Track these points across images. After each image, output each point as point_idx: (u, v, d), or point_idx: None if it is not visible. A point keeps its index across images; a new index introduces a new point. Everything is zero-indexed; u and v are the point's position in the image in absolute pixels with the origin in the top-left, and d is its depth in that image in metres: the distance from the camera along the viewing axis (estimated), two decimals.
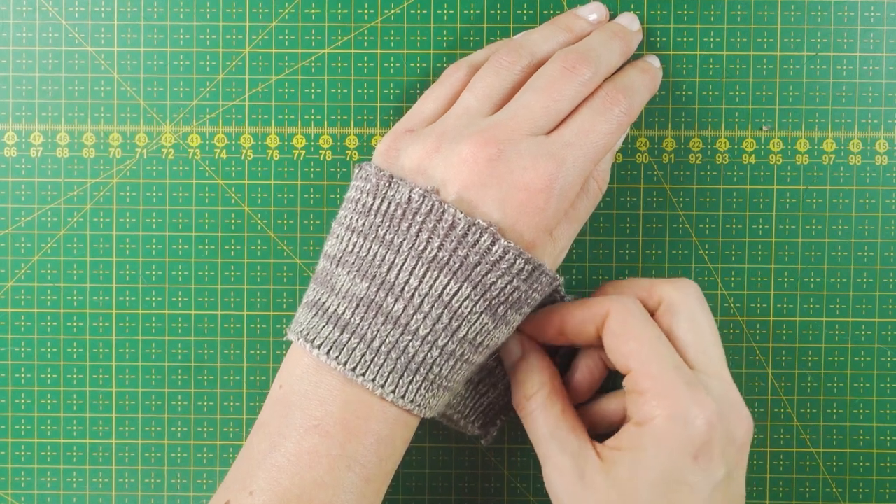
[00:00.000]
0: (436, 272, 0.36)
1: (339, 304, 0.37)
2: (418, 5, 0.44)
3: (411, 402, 0.36)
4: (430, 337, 0.36)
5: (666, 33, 0.44)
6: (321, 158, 0.44)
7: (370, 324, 0.36)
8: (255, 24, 0.44)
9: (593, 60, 0.38)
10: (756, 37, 0.44)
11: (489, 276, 0.36)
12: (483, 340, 0.37)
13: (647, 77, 0.41)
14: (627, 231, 0.44)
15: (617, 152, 0.44)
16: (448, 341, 0.36)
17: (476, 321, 0.37)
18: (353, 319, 0.36)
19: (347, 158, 0.44)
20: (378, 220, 0.37)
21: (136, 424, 0.45)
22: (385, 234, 0.37)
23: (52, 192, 0.44)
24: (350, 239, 0.38)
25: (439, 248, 0.36)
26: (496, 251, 0.36)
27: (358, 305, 0.37)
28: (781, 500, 0.45)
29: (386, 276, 0.36)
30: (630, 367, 0.38)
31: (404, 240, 0.37)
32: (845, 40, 0.44)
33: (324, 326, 0.37)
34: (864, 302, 0.44)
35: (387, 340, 0.36)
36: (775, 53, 0.44)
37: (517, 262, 0.36)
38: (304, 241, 0.44)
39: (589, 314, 0.39)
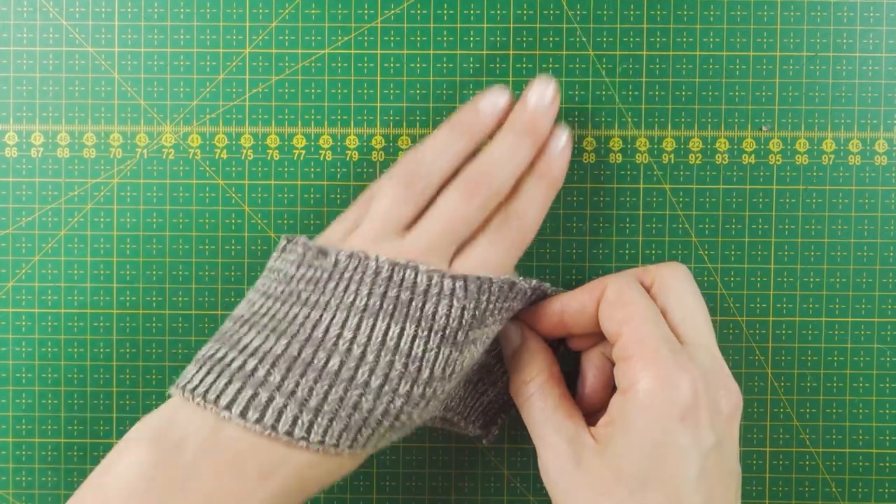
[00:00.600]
0: (371, 320, 0.35)
1: (245, 361, 0.34)
2: (418, 5, 0.44)
3: (368, 448, 0.35)
4: (386, 388, 0.34)
5: (666, 33, 0.44)
6: (321, 158, 0.44)
7: (297, 381, 0.34)
8: (256, 24, 0.44)
9: (493, 182, 0.38)
10: (756, 37, 0.44)
11: (426, 307, 0.35)
12: (454, 369, 0.36)
13: (544, 184, 0.40)
14: (627, 231, 0.44)
15: (616, 152, 0.44)
16: (412, 386, 0.35)
17: (436, 357, 0.35)
18: (269, 378, 0.34)
19: (347, 158, 0.44)
20: (301, 286, 0.36)
21: None
22: (308, 297, 0.35)
23: (53, 192, 0.44)
24: (265, 304, 0.36)
25: (369, 296, 0.35)
26: (421, 281, 0.35)
27: (275, 363, 0.34)
28: (781, 500, 0.45)
29: (311, 333, 0.35)
30: (621, 332, 0.38)
31: (331, 297, 0.35)
32: (845, 40, 0.44)
33: (227, 384, 0.34)
34: (863, 302, 0.44)
35: (328, 399, 0.34)
36: (775, 53, 0.44)
37: (445, 283, 0.36)
38: None
39: (588, 296, 0.40)
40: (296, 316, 0.35)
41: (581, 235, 0.44)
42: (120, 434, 0.44)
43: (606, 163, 0.44)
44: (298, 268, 0.37)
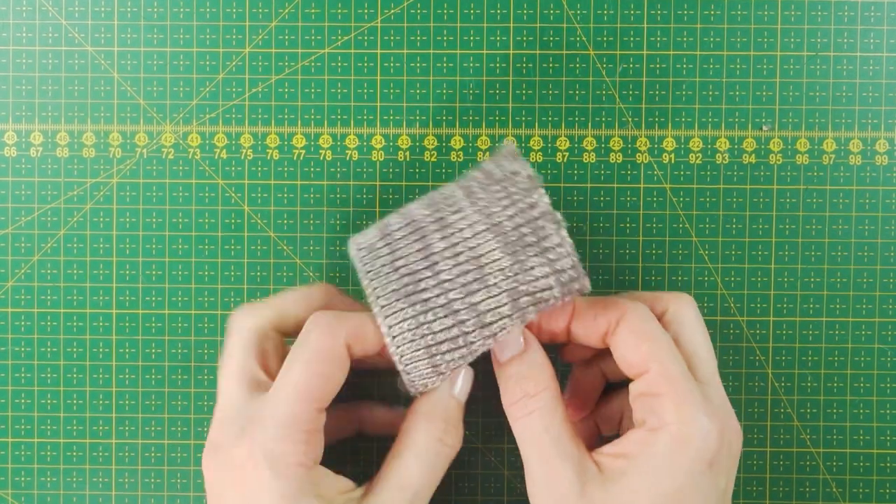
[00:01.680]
0: (489, 234, 0.37)
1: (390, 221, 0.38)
2: (418, 5, 0.44)
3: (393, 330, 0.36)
4: (446, 284, 0.36)
5: (666, 33, 0.44)
6: (321, 158, 0.44)
7: (406, 244, 0.37)
8: (255, 23, 0.44)
9: None
10: (756, 37, 0.44)
11: (533, 260, 0.36)
12: (492, 322, 0.36)
13: None
14: (627, 231, 0.44)
15: (616, 152, 0.44)
16: (458, 298, 0.36)
17: (496, 296, 0.36)
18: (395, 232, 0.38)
19: (347, 158, 0.44)
20: (480, 175, 0.39)
21: (136, 424, 0.45)
22: (473, 187, 0.38)
23: (52, 192, 0.44)
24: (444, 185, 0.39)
25: (509, 218, 0.37)
26: (555, 243, 0.36)
27: (408, 224, 0.38)
28: (781, 500, 0.45)
29: (447, 211, 0.38)
30: (649, 367, 0.36)
31: (484, 196, 0.37)
32: (845, 40, 0.44)
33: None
34: (864, 302, 0.44)
35: (408, 266, 0.37)
36: (775, 53, 0.44)
37: (570, 269, 0.36)
38: (304, 241, 0.44)
39: (603, 313, 0.38)
40: (452, 195, 0.39)
41: (581, 235, 0.44)
42: (119, 434, 0.44)
43: (607, 163, 0.44)
44: (491, 163, 0.39)
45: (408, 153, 0.44)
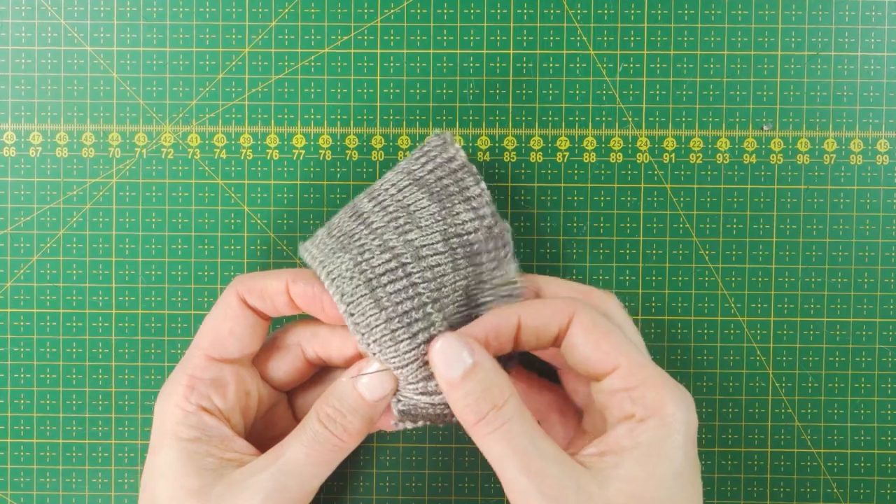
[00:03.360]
0: (414, 187, 0.39)
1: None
2: (418, 5, 0.44)
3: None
4: (380, 230, 0.38)
5: (666, 33, 0.44)
6: (321, 158, 0.44)
7: (341, 219, 0.40)
8: (255, 23, 0.44)
9: None
10: (756, 36, 0.44)
11: (458, 207, 0.38)
12: (427, 256, 0.37)
13: None
14: (627, 231, 0.44)
15: (617, 152, 0.44)
16: (393, 237, 0.37)
17: (429, 235, 0.38)
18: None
19: (347, 158, 0.44)
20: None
21: (136, 424, 0.44)
22: (403, 165, 0.40)
23: (52, 192, 0.44)
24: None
25: (430, 172, 0.39)
26: (476, 194, 0.39)
27: (345, 208, 0.40)
28: (782, 501, 0.44)
29: (375, 184, 0.40)
30: (618, 363, 0.36)
31: (404, 162, 0.40)
32: (846, 40, 0.44)
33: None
34: (864, 302, 0.44)
35: (342, 229, 0.39)
36: (776, 53, 0.44)
37: (489, 216, 0.39)
38: (304, 241, 0.44)
39: (553, 315, 0.37)
40: (384, 178, 0.41)
41: (581, 235, 0.44)
42: (119, 434, 0.44)
43: (607, 162, 0.44)
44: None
45: (407, 153, 0.44)
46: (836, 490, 0.44)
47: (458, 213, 0.38)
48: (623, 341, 0.37)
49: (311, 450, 0.37)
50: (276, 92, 0.44)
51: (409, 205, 0.38)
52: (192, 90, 0.44)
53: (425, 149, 0.40)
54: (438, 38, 0.44)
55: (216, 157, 0.44)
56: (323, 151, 0.44)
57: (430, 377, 0.37)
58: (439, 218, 0.38)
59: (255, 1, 0.44)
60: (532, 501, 0.34)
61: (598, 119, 0.44)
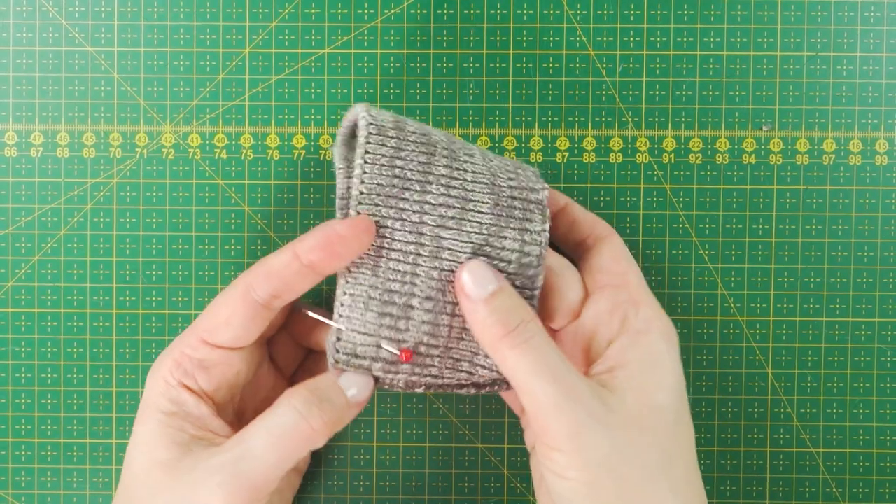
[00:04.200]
0: (486, 188, 0.38)
1: None
2: (418, 5, 0.44)
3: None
4: (427, 207, 0.37)
5: (666, 33, 0.44)
6: (321, 158, 0.44)
7: (412, 149, 0.38)
8: (255, 23, 0.44)
9: None
10: (756, 37, 0.44)
11: (509, 231, 0.38)
12: (445, 259, 0.37)
13: None
14: (627, 231, 0.44)
15: (616, 152, 0.44)
16: (430, 224, 0.37)
17: (462, 242, 0.37)
18: None
19: None
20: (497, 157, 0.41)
21: None
22: (489, 154, 0.40)
23: (53, 192, 0.44)
24: None
25: (509, 188, 0.39)
26: (535, 230, 0.38)
27: (423, 134, 0.39)
28: (781, 500, 0.45)
29: (461, 150, 0.39)
30: (628, 280, 0.40)
31: (497, 162, 0.40)
32: (845, 40, 0.44)
33: None
34: (864, 302, 0.44)
35: (404, 171, 0.38)
36: (775, 53, 0.44)
37: (534, 256, 0.38)
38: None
39: (594, 223, 0.42)
40: None
41: None
42: (119, 434, 0.44)
43: (607, 163, 0.44)
44: None
45: None
46: (835, 489, 0.45)
47: (505, 237, 0.37)
48: (636, 268, 0.40)
49: (277, 439, 0.35)
50: (277, 92, 0.44)
51: (469, 200, 0.37)
52: (193, 90, 0.44)
53: (519, 171, 0.39)
54: (438, 38, 0.44)
55: (216, 158, 0.44)
56: (323, 151, 0.44)
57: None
58: (486, 231, 0.37)
59: (256, 1, 0.44)
60: (564, 410, 0.35)
61: (597, 119, 0.44)
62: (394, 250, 0.37)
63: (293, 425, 0.35)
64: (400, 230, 0.37)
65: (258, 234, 0.44)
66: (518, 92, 0.44)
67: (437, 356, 0.38)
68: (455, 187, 0.37)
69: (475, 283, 0.37)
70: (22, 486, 0.45)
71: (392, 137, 0.37)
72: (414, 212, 0.37)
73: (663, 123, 0.44)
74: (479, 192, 0.38)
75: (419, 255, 0.37)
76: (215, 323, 0.38)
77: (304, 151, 0.44)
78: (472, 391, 0.39)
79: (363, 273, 0.37)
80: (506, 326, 0.36)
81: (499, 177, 0.38)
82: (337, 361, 0.37)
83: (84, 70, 0.44)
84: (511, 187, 0.38)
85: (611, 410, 0.35)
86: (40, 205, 0.44)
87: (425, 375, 0.38)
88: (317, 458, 0.45)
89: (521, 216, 0.38)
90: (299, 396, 0.36)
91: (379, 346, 0.37)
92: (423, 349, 0.37)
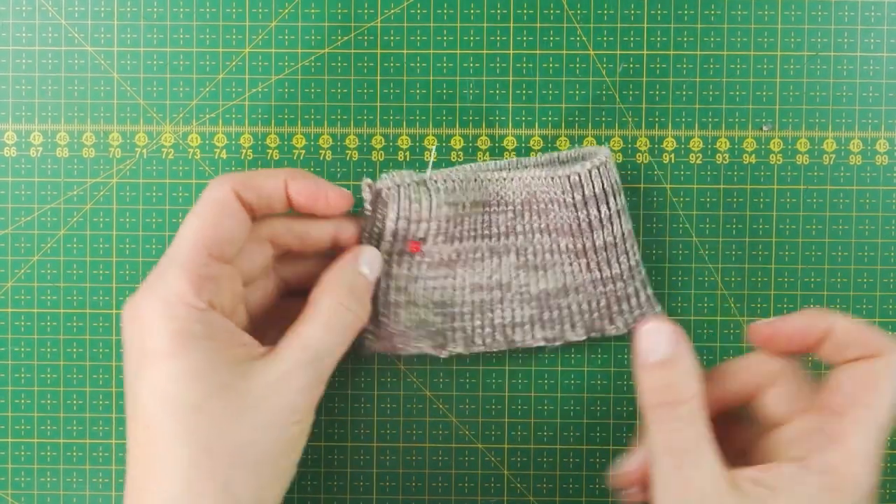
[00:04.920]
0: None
1: None
2: (418, 5, 0.44)
3: None
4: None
5: (666, 33, 0.44)
6: (321, 158, 0.44)
7: None
8: (255, 23, 0.44)
9: None
10: (756, 36, 0.44)
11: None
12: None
13: None
14: None
15: (616, 152, 0.44)
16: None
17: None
18: None
19: (347, 158, 0.44)
20: None
21: None
22: None
23: (52, 192, 0.44)
24: None
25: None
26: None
27: None
28: None
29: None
30: (862, 400, 0.35)
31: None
32: (845, 40, 0.44)
33: None
34: (864, 302, 0.44)
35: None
36: (775, 53, 0.44)
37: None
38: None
39: (866, 346, 0.35)
40: None
41: None
42: (119, 434, 0.44)
43: None
44: None
45: (408, 153, 0.44)
46: None
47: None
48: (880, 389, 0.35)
49: (335, 330, 0.38)
50: (276, 92, 0.44)
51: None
52: (193, 90, 0.44)
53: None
54: (438, 38, 0.44)
55: (216, 158, 0.44)
56: (323, 151, 0.44)
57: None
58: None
59: (256, 1, 0.44)
60: (669, 501, 0.35)
61: (597, 119, 0.44)
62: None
63: (341, 314, 0.38)
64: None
65: None
66: (518, 92, 0.44)
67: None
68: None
69: (646, 347, 0.36)
70: (22, 487, 0.45)
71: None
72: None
73: (663, 123, 0.44)
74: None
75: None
76: (220, 235, 0.37)
77: (303, 151, 0.44)
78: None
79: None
80: (653, 400, 0.35)
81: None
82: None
83: (84, 70, 0.44)
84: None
85: (740, 494, 0.34)
86: (40, 205, 0.44)
87: None
88: (317, 458, 0.45)
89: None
90: (339, 288, 0.39)
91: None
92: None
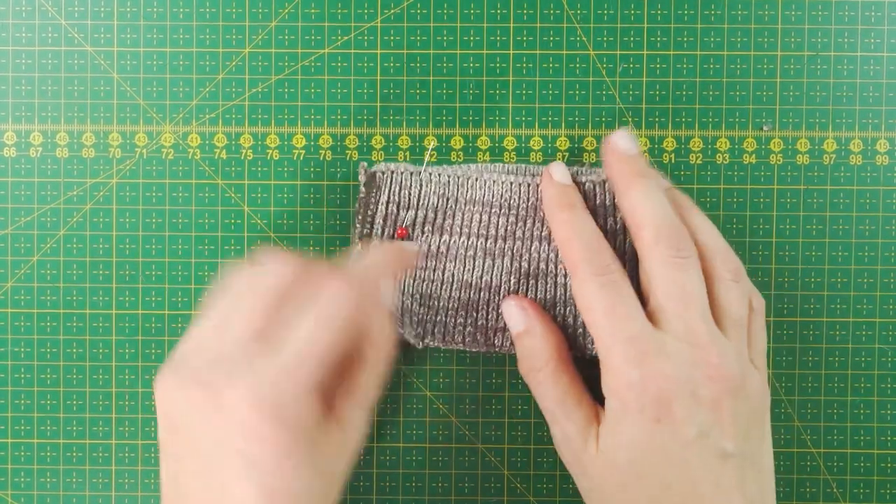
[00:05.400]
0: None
1: None
2: (418, 5, 0.44)
3: None
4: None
5: (666, 33, 0.44)
6: (321, 158, 0.44)
7: None
8: (255, 23, 0.44)
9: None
10: (756, 37, 0.44)
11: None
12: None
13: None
14: None
15: None
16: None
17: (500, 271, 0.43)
18: None
19: (347, 158, 0.44)
20: None
21: (136, 424, 0.44)
22: None
23: (52, 192, 0.44)
24: None
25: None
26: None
27: None
28: (782, 501, 0.44)
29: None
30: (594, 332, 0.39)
31: None
32: (846, 40, 0.44)
33: None
34: (864, 302, 0.44)
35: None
36: (776, 53, 0.44)
37: None
38: (304, 241, 0.44)
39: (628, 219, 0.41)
40: None
41: None
42: (119, 434, 0.44)
43: None
44: None
45: (407, 153, 0.44)
46: (835, 490, 0.44)
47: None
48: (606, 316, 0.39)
49: (380, 376, 0.38)
50: (276, 92, 0.44)
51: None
52: (193, 90, 0.44)
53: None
54: (438, 38, 0.44)
55: (216, 158, 0.44)
56: (323, 151, 0.44)
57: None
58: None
59: (256, 1, 0.44)
60: (558, 448, 0.40)
61: (597, 119, 0.44)
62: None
63: (387, 362, 0.39)
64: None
65: (258, 234, 0.44)
66: (518, 92, 0.44)
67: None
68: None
69: (508, 321, 0.43)
70: (22, 487, 0.45)
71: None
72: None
73: (663, 123, 0.44)
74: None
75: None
76: (326, 358, 0.35)
77: (303, 151, 0.44)
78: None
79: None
80: (522, 368, 0.42)
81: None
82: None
83: (84, 70, 0.44)
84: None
85: (589, 456, 0.39)
86: (40, 205, 0.44)
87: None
88: None
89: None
90: (382, 346, 0.38)
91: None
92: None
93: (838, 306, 0.44)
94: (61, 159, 0.44)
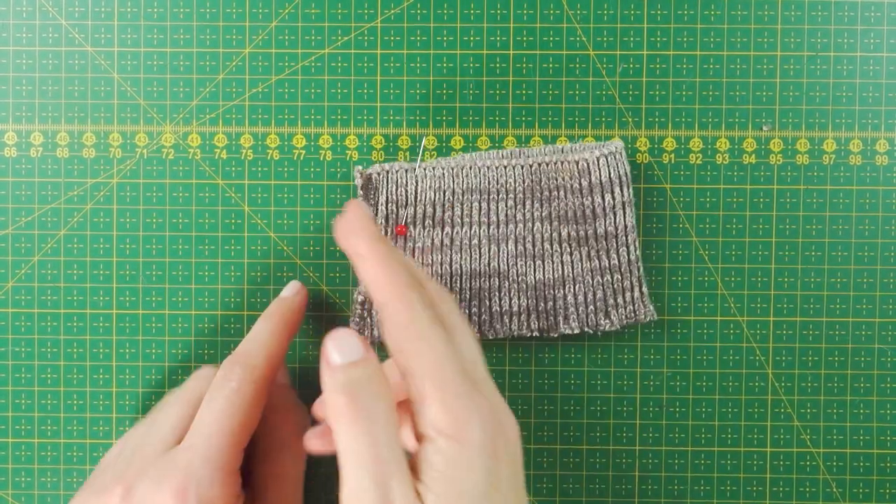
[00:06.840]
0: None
1: None
2: (418, 5, 0.44)
3: None
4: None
5: (666, 33, 0.44)
6: (321, 158, 0.44)
7: None
8: (255, 23, 0.44)
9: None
10: (756, 37, 0.44)
11: None
12: None
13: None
14: None
15: None
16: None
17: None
18: None
19: (347, 158, 0.44)
20: None
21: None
22: None
23: (53, 192, 0.44)
24: None
25: None
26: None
27: None
28: (781, 500, 0.45)
29: None
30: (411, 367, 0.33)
31: None
32: (845, 40, 0.44)
33: None
34: (864, 302, 0.44)
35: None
36: (775, 53, 0.44)
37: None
38: (304, 241, 0.44)
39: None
40: None
41: None
42: (119, 434, 0.44)
43: None
44: None
45: (407, 153, 0.44)
46: (835, 490, 0.45)
47: None
48: (431, 350, 0.33)
49: (220, 410, 0.38)
50: (277, 92, 0.44)
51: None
52: (193, 90, 0.44)
53: None
54: (438, 38, 0.44)
55: (216, 158, 0.44)
56: (323, 151, 0.44)
57: None
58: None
59: (256, 1, 0.44)
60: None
61: (597, 119, 0.44)
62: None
63: (223, 392, 0.39)
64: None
65: (258, 234, 0.44)
66: (518, 92, 0.44)
67: None
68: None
69: (334, 349, 0.34)
70: (22, 487, 0.45)
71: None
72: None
73: (663, 123, 0.44)
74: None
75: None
76: (252, 426, 0.39)
77: (303, 151, 0.44)
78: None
79: None
80: (334, 408, 0.34)
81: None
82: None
83: (84, 70, 0.44)
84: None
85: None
86: (40, 205, 0.44)
87: None
88: (317, 459, 0.44)
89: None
90: (225, 365, 0.39)
91: None
92: None
93: (837, 306, 0.44)
94: (62, 159, 0.44)
